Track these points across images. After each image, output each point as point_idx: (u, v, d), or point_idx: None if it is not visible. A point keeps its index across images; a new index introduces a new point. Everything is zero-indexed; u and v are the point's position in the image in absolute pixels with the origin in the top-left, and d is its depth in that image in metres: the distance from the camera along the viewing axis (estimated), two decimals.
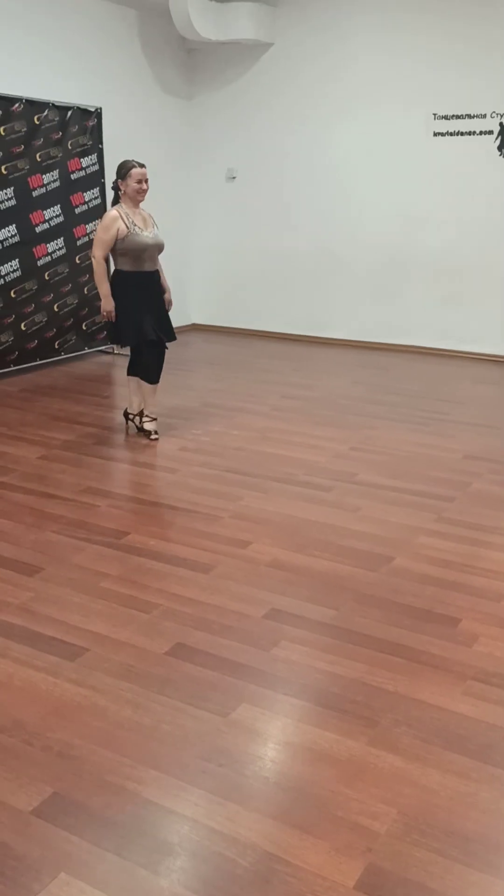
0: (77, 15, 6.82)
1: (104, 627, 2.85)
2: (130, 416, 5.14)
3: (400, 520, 3.82)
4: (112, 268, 4.79)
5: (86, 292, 7.16)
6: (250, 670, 2.60)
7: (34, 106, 6.28)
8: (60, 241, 6.78)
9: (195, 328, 8.72)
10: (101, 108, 6.95)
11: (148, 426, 5.01)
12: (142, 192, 4.64)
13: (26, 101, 6.20)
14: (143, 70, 7.66)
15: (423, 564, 3.37)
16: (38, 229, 6.54)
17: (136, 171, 4.57)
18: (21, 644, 2.73)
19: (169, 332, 4.89)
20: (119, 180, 4.64)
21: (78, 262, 7.00)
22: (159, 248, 4.75)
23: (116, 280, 4.74)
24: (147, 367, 4.93)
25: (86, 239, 7.02)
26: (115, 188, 4.70)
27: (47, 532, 3.64)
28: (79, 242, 6.97)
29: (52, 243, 6.70)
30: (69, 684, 2.51)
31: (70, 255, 6.91)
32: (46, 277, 6.72)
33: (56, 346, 7.00)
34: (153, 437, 4.96)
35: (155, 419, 5.04)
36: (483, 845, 1.91)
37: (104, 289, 4.68)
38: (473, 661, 2.67)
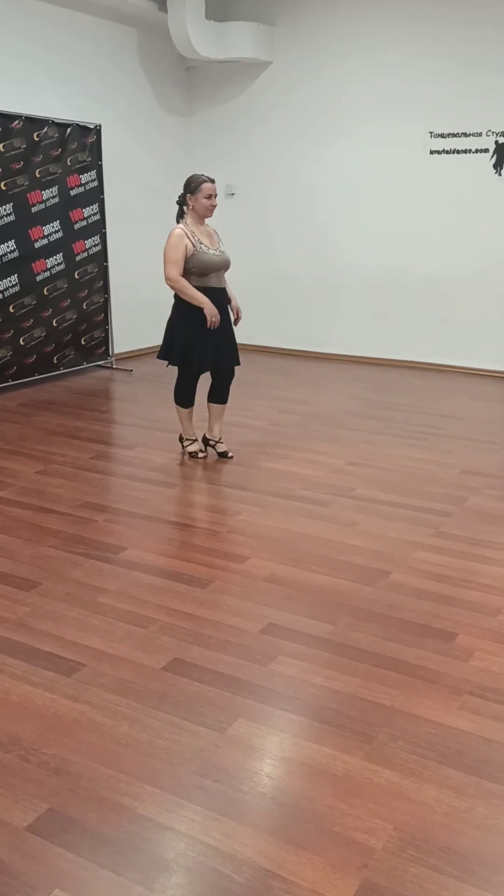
0: (77, 33, 6.89)
1: (101, 643, 2.85)
2: (211, 443, 5.00)
3: (397, 534, 3.83)
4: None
5: (84, 307, 7.19)
6: (247, 685, 2.60)
7: (34, 123, 6.34)
8: (59, 257, 6.81)
9: None
10: (100, 125, 7.01)
11: (191, 448, 4.93)
12: (211, 208, 4.49)
13: (26, 117, 6.25)
14: (142, 87, 7.73)
15: (420, 579, 3.37)
16: (37, 245, 6.58)
17: (206, 185, 4.43)
18: (17, 659, 2.73)
19: (232, 356, 4.72)
20: (188, 195, 4.47)
21: (77, 277, 7.03)
22: (226, 265, 4.55)
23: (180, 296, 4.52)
24: (179, 387, 4.82)
25: (85, 254, 7.06)
26: (181, 203, 4.52)
27: (45, 547, 3.65)
28: (78, 258, 7.00)
29: (51, 259, 6.73)
30: (66, 700, 2.51)
31: (69, 271, 6.94)
32: (45, 293, 6.75)
33: (55, 361, 7.02)
34: (200, 455, 4.91)
35: (195, 440, 4.96)
36: (479, 861, 1.91)
37: (198, 298, 4.41)
38: (470, 676, 2.67)
